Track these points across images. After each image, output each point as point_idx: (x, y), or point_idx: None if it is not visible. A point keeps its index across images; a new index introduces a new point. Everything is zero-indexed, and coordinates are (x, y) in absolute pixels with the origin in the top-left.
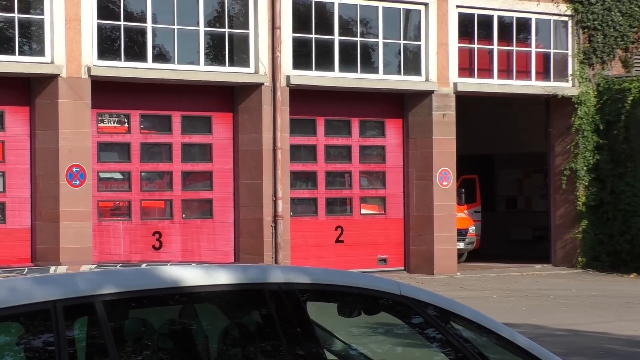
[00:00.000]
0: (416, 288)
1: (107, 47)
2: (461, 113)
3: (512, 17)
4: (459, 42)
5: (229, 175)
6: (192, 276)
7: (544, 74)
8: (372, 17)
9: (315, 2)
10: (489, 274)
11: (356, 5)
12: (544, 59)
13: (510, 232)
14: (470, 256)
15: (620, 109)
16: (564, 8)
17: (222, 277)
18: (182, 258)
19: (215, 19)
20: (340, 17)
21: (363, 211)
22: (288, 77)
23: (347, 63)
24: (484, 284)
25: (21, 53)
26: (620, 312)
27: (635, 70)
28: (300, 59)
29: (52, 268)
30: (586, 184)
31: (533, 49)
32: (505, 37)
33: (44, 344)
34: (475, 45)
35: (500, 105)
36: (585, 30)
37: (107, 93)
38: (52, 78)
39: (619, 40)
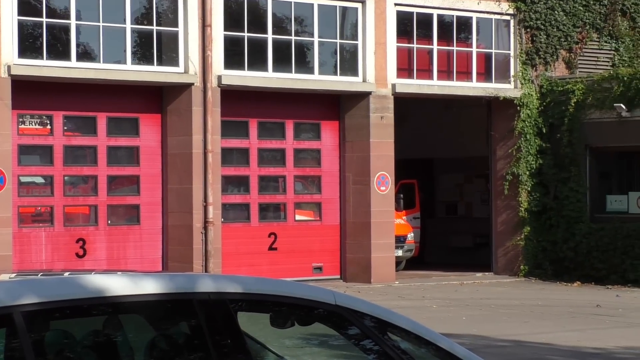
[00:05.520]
0: (352, 297)
1: (28, 45)
2: (400, 115)
3: (453, 16)
4: (398, 42)
5: (157, 180)
6: (117, 285)
7: (485, 75)
8: (307, 15)
9: None
10: (428, 283)
11: (290, 2)
12: (486, 59)
13: (450, 239)
14: (409, 264)
15: (563, 111)
16: (506, 7)
17: (148, 286)
18: (107, 266)
19: (142, 16)
20: (274, 14)
21: (297, 217)
22: (219, 77)
23: (281, 63)
24: (423, 293)
25: None
26: (563, 322)
27: (579, 71)
28: (232, 59)
29: None
30: (529, 189)
31: (474, 49)
32: (445, 37)
33: None
34: (415, 45)
35: (441, 107)
36: (528, 30)
37: (28, 93)
38: None
39: (562, 41)
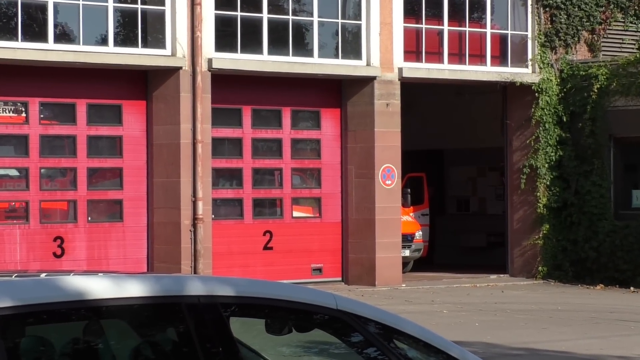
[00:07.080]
0: (355, 302)
1: (1, 25)
2: (407, 102)
3: None
4: (405, 22)
5: (142, 173)
6: (98, 288)
7: (500, 58)
8: None
9: None
10: (438, 286)
11: None
12: (501, 41)
13: (462, 237)
14: (416, 265)
15: (585, 98)
16: None
17: (132, 289)
18: (88, 267)
19: None
20: None
21: (295, 214)
22: (210, 61)
23: (278, 45)
24: (432, 297)
25: None
26: (585, 328)
27: (603, 54)
28: (224, 40)
29: None
30: (547, 183)
31: (488, 30)
32: (456, 17)
33: None
34: (423, 26)
35: (452, 93)
36: (547, 9)
37: (1, 78)
38: None
39: (584, 21)
